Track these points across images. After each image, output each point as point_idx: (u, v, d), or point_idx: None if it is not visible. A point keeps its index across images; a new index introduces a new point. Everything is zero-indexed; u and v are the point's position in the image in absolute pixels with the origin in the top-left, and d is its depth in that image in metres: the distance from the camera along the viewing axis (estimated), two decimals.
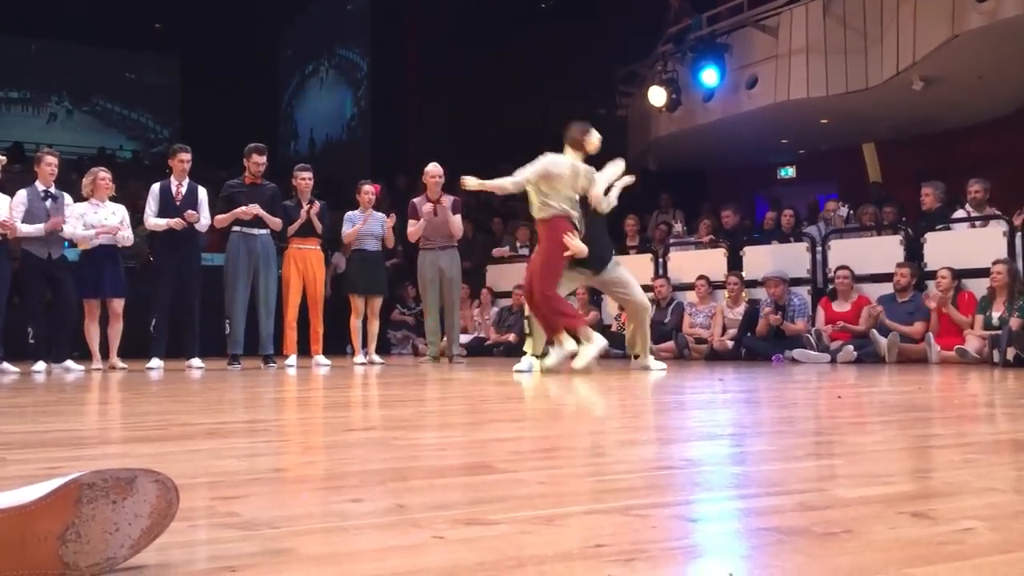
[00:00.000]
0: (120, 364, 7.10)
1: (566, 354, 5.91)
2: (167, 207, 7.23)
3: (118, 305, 7.15)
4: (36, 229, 6.83)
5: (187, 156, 7.33)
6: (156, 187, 7.30)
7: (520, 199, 6.75)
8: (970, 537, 1.23)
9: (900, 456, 2.15)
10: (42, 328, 7.08)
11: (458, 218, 8.03)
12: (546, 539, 1.23)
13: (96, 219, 7.06)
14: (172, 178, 7.33)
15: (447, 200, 7.99)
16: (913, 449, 2.28)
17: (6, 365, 6.73)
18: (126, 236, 7.20)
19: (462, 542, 1.22)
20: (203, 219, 7.29)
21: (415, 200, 8.10)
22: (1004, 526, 1.30)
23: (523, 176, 5.98)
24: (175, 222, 7.12)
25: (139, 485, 1.07)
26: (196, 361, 7.23)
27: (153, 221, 7.18)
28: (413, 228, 7.95)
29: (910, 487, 1.69)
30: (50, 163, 7.07)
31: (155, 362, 7.12)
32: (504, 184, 6.09)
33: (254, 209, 7.23)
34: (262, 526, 1.31)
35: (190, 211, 7.14)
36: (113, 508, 1.05)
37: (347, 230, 7.93)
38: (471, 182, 6.08)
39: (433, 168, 8.02)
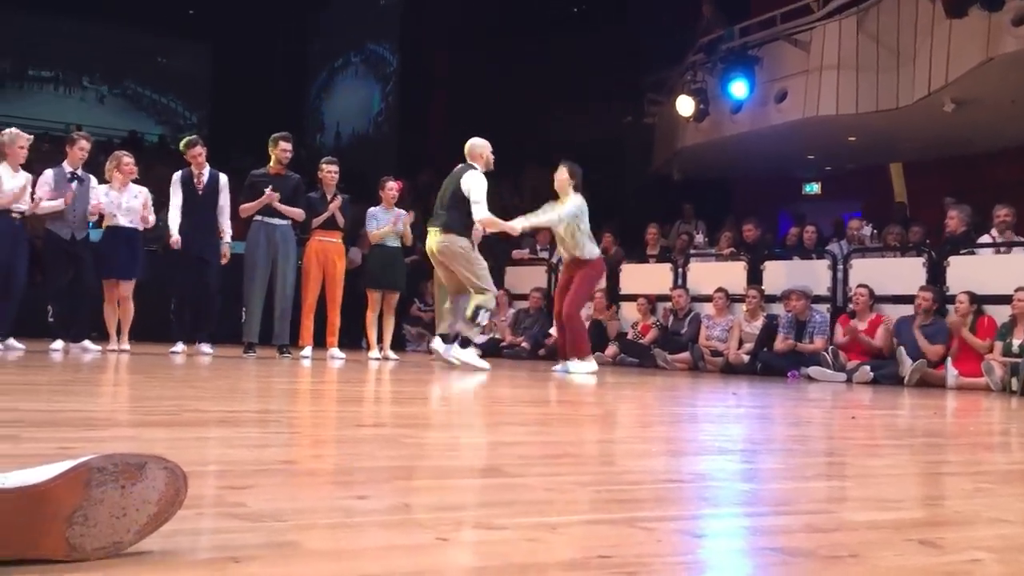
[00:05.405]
0: (125, 346, 7.06)
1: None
2: (191, 197, 7.29)
3: (125, 287, 7.09)
4: (56, 203, 6.85)
5: (199, 149, 7.36)
6: (178, 176, 7.35)
7: (532, 203, 6.86)
8: (977, 568, 1.22)
9: (911, 481, 2.14)
10: (63, 307, 7.13)
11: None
12: (550, 547, 1.23)
13: (120, 201, 7.10)
14: (192, 168, 7.38)
15: None
16: (925, 475, 2.26)
17: (11, 341, 6.74)
18: (149, 220, 7.22)
19: (466, 545, 1.22)
20: (223, 204, 7.36)
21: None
22: (1012, 559, 1.28)
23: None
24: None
25: (148, 471, 1.08)
26: (206, 347, 7.23)
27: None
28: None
29: (919, 514, 1.68)
30: (83, 148, 7.12)
31: (179, 346, 7.12)
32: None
33: (276, 196, 7.25)
34: (268, 518, 1.31)
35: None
36: (121, 493, 1.05)
37: (372, 228, 7.90)
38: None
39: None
